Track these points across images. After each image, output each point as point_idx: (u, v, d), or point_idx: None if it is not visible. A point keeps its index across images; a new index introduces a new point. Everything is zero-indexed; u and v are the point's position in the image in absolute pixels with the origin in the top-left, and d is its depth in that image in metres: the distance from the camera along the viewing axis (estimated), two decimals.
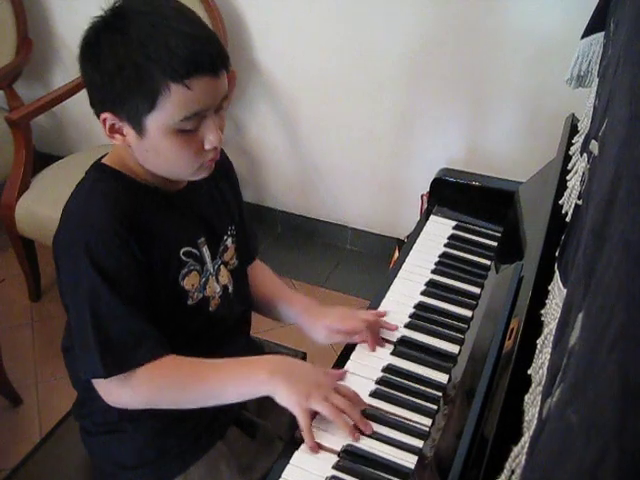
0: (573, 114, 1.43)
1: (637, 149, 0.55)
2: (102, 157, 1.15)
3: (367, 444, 1.06)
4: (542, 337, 0.82)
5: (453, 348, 1.25)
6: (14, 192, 2.28)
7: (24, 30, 2.73)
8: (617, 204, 0.52)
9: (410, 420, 1.11)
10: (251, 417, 1.31)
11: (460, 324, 1.30)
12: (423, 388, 1.17)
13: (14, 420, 2.08)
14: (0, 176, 2.51)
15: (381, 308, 1.34)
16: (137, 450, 1.21)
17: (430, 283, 1.40)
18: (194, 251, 1.15)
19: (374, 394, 1.15)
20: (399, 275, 1.43)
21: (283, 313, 1.36)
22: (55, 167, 2.42)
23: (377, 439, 1.07)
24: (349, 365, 1.21)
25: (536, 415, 0.67)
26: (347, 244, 2.86)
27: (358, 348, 1.25)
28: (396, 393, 1.16)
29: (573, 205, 1.01)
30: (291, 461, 1.04)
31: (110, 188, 1.09)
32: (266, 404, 1.08)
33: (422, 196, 2.12)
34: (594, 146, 0.89)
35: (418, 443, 1.07)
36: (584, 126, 1.16)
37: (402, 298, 1.36)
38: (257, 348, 1.42)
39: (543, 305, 0.92)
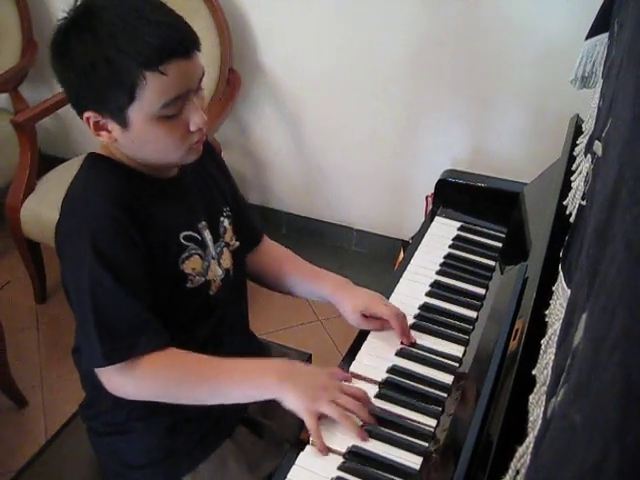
0: (577, 115, 1.43)
1: None
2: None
3: (372, 445, 1.06)
4: (546, 337, 0.82)
5: (458, 349, 1.25)
6: (19, 194, 2.29)
7: (29, 32, 2.75)
8: (620, 204, 0.52)
9: (415, 421, 1.11)
10: (256, 417, 1.31)
11: (465, 325, 1.30)
12: (428, 389, 1.17)
13: (20, 422, 2.09)
14: (5, 178, 2.52)
15: None
16: (146, 450, 1.22)
17: (435, 284, 1.40)
18: (195, 235, 1.16)
19: (379, 395, 1.15)
20: (404, 276, 1.43)
21: (309, 290, 1.35)
22: (60, 169, 2.43)
23: (382, 440, 1.07)
24: (354, 366, 1.21)
25: (541, 415, 0.67)
26: (352, 245, 2.86)
27: (363, 349, 1.25)
28: (401, 394, 1.16)
29: (577, 206, 1.01)
30: (296, 462, 1.04)
31: (106, 175, 1.10)
32: (271, 405, 1.08)
33: (427, 197, 2.12)
34: (598, 147, 0.89)
35: (423, 444, 1.07)
36: (588, 127, 1.16)
37: (407, 299, 1.36)
38: (256, 343, 1.42)
39: (548, 306, 0.92)
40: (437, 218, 1.61)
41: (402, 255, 2.00)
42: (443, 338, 1.27)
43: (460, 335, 1.28)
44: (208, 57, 2.43)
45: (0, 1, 2.70)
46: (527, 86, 2.24)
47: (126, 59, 0.98)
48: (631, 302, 0.39)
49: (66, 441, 1.38)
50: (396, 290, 1.39)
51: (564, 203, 1.11)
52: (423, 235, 1.56)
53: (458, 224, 1.58)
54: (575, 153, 1.23)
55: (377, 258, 2.76)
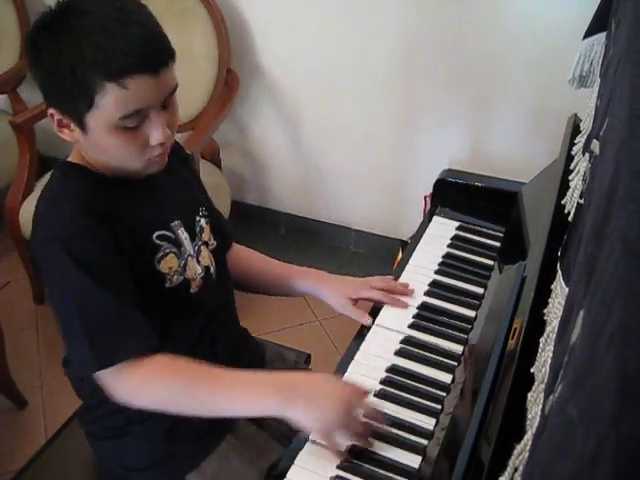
0: (575, 114, 1.43)
1: (636, 147, 0.55)
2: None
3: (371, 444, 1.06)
4: (545, 335, 0.82)
5: (457, 348, 1.25)
6: (18, 195, 2.29)
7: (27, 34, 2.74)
8: (616, 201, 0.52)
9: (414, 420, 1.11)
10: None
11: (463, 324, 1.30)
12: (427, 388, 1.17)
13: (19, 422, 2.09)
14: (5, 179, 2.52)
15: (385, 308, 1.34)
16: (146, 452, 1.21)
17: (433, 284, 1.40)
18: (168, 234, 1.15)
19: (378, 394, 1.16)
20: (402, 276, 1.43)
21: (293, 288, 1.38)
22: None
23: (381, 439, 1.07)
24: (353, 366, 1.21)
25: (539, 412, 0.67)
26: (350, 246, 2.87)
27: (362, 348, 1.25)
28: (400, 393, 1.16)
29: (575, 205, 1.02)
30: (295, 461, 1.04)
31: (74, 183, 1.10)
32: None
33: (425, 197, 2.13)
34: (595, 145, 0.89)
35: (422, 442, 1.08)
36: (586, 126, 1.16)
37: (406, 299, 1.36)
38: (252, 343, 1.41)
39: (546, 305, 0.92)
40: (435, 218, 1.61)
41: (401, 255, 2.00)
42: (442, 337, 1.28)
43: (459, 334, 1.28)
44: (206, 58, 2.44)
45: None
46: (525, 86, 2.24)
47: (87, 67, 0.97)
48: (627, 296, 0.39)
49: (66, 441, 1.38)
50: None
51: (562, 202, 1.11)
52: (421, 235, 1.56)
53: (456, 224, 1.59)
54: (573, 152, 1.23)
55: (376, 258, 2.76)
